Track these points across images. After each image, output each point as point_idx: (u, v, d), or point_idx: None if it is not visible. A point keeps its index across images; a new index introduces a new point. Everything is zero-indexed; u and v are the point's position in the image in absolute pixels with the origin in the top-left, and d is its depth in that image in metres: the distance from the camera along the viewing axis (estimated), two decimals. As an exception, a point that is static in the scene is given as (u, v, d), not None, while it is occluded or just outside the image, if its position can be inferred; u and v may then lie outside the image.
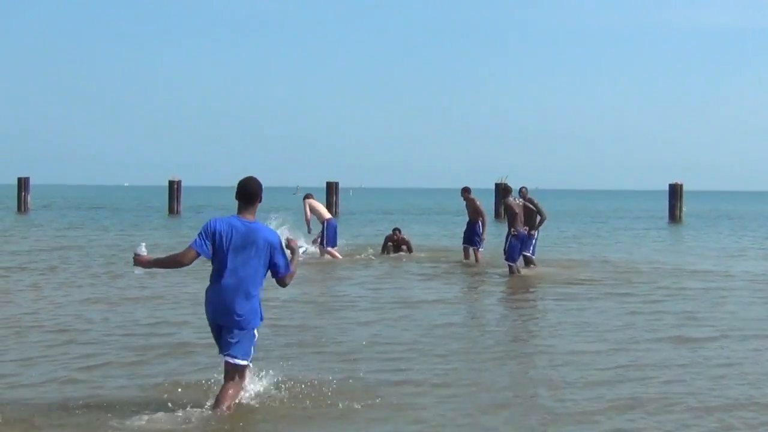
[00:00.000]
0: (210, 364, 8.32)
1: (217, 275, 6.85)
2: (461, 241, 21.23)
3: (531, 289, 15.72)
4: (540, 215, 18.69)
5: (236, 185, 6.95)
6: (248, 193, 6.93)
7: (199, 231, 6.87)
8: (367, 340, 10.14)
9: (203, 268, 8.04)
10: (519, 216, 17.69)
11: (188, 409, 6.93)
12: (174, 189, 49.43)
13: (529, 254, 18.66)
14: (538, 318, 12.84)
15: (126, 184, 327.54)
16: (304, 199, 21.62)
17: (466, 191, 21.19)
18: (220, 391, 6.92)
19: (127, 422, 6.70)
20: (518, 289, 15.87)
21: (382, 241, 22.80)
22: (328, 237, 21.14)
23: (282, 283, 6.97)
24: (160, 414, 6.86)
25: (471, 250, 20.61)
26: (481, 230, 20.50)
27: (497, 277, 17.50)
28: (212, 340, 7.19)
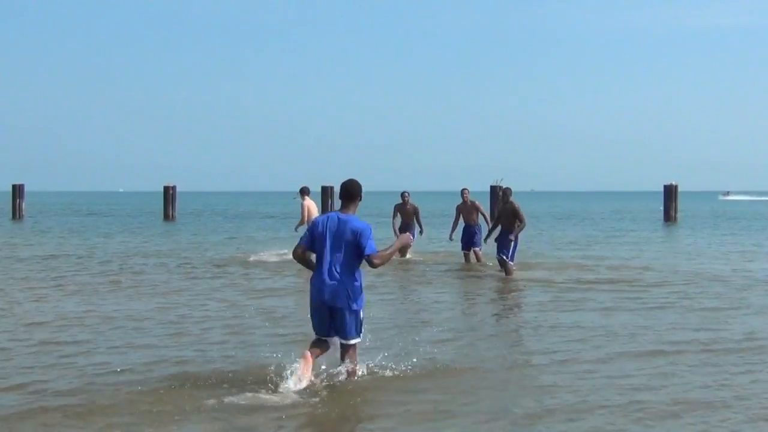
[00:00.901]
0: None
1: (318, 264, 7.83)
2: (460, 247, 20.65)
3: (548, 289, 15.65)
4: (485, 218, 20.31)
5: (340, 186, 8.06)
6: (348, 192, 8.02)
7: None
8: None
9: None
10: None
11: (316, 383, 7.79)
12: (169, 195, 49.45)
13: (479, 249, 20.16)
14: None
15: (121, 190, 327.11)
16: (300, 194, 20.84)
17: (466, 193, 20.67)
18: (342, 366, 7.88)
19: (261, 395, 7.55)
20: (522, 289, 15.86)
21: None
22: None
23: (371, 263, 7.77)
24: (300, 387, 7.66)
25: (472, 252, 20.25)
26: (480, 231, 20.13)
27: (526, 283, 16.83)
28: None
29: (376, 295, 14.42)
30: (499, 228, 18.16)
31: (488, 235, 18.78)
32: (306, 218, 20.43)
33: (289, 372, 7.73)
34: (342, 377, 7.87)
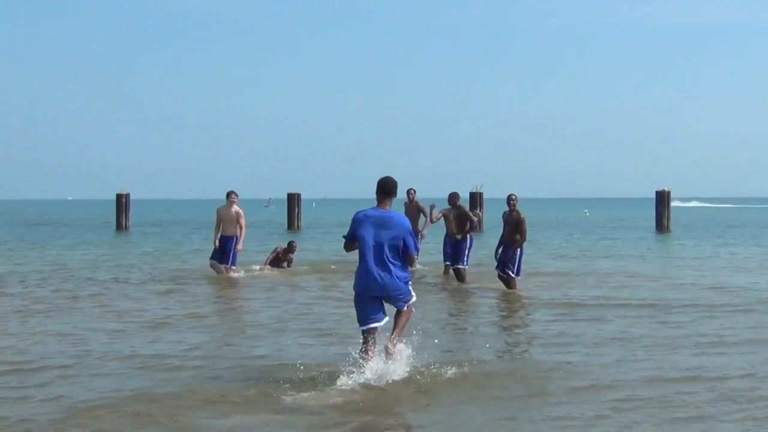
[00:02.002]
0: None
1: (361, 256, 8.32)
2: (442, 257, 18.73)
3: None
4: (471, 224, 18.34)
5: (377, 183, 8.40)
6: (385, 188, 8.41)
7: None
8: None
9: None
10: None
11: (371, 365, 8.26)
12: (122, 203, 45.86)
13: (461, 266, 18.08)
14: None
15: (70, 198, 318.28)
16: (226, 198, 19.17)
17: (455, 198, 18.35)
18: (385, 349, 8.34)
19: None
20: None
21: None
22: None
23: (410, 260, 8.44)
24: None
25: (454, 268, 18.17)
26: (471, 245, 18.27)
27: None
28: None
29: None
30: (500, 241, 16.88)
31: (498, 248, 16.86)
32: (217, 225, 18.92)
33: (353, 368, 8.22)
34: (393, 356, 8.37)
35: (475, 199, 41.13)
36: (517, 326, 12.88)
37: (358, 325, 8.49)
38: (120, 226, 45.19)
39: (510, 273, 16.26)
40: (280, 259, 20.65)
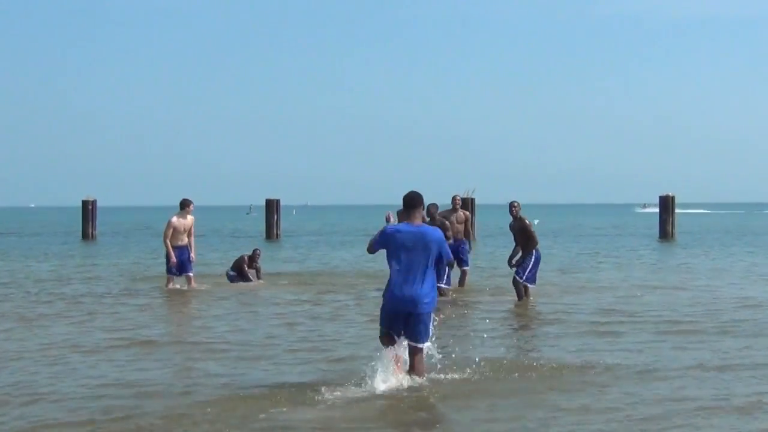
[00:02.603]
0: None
1: (393, 272, 8.48)
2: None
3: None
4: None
5: (403, 198, 8.70)
6: (411, 203, 8.65)
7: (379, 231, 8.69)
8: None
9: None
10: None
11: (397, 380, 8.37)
12: (88, 210, 43.02)
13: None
14: None
15: (32, 205, 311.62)
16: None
17: (433, 209, 16.63)
18: (411, 368, 8.49)
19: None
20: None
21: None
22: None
23: (450, 266, 10.22)
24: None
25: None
26: (470, 249, 18.00)
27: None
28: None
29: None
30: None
31: (511, 257, 16.20)
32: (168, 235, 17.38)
33: (378, 370, 8.36)
34: (412, 378, 8.45)
35: (466, 204, 38.65)
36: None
37: (380, 334, 8.72)
38: (86, 235, 42.43)
39: (518, 278, 15.60)
40: (244, 269, 18.83)
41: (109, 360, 10.11)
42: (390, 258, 8.42)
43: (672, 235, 39.24)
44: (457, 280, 17.41)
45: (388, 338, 8.54)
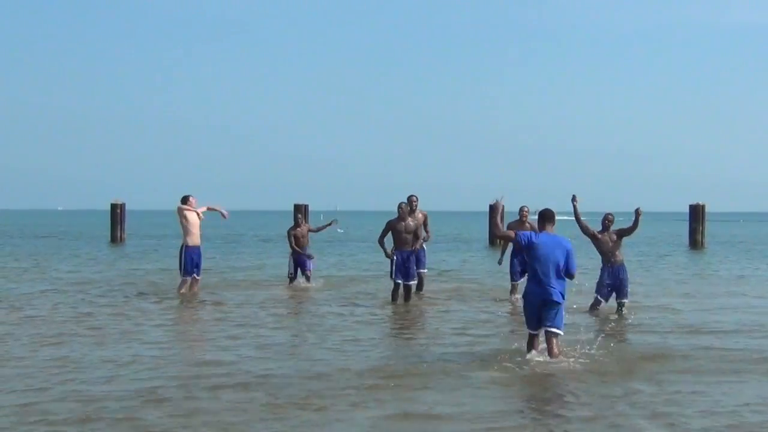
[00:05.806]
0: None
1: (534, 273, 10.04)
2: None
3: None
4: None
5: (538, 212, 10.50)
6: (548, 216, 10.33)
7: (522, 233, 10.41)
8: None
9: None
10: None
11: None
12: (117, 214, 43.22)
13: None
14: None
15: (60, 208, 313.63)
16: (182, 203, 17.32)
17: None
18: (550, 351, 10.03)
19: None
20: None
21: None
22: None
23: (570, 276, 10.11)
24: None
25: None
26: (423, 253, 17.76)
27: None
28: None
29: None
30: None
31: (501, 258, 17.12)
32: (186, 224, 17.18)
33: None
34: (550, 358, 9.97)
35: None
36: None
37: (526, 328, 10.25)
38: (115, 239, 42.64)
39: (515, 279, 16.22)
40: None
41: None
42: (530, 260, 10.05)
43: (702, 245, 38.92)
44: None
45: (536, 335, 10.13)
